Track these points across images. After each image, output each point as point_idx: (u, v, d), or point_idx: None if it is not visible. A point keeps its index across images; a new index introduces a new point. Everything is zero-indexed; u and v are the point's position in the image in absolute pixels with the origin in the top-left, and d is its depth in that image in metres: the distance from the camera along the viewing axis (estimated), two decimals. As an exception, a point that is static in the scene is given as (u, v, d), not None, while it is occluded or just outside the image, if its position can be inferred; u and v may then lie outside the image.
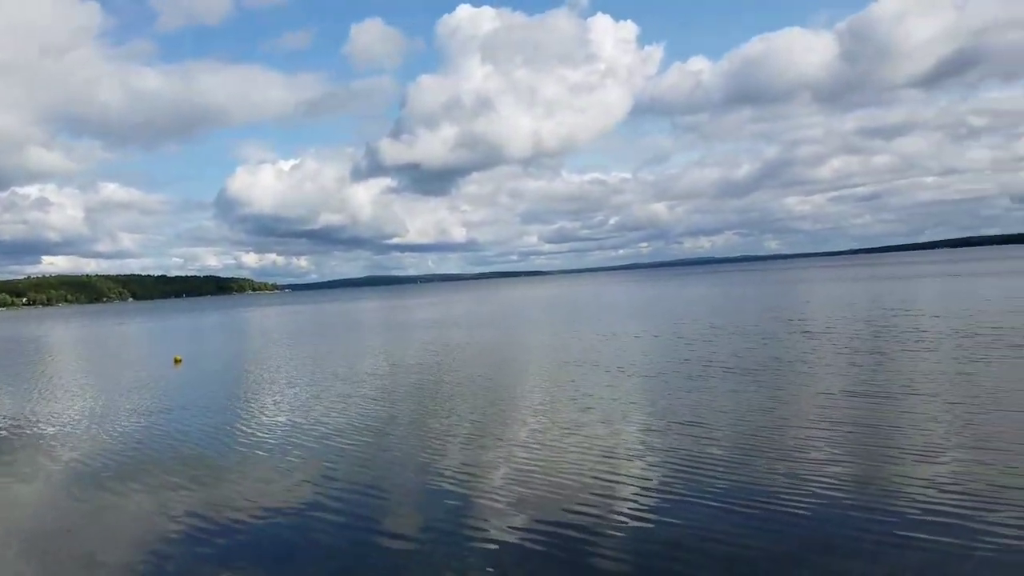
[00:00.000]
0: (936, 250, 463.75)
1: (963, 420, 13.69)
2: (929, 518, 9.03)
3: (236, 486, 12.51)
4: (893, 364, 20.60)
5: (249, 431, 17.10)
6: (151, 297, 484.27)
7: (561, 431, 14.88)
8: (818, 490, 10.31)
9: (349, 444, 15.02)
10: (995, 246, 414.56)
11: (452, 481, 11.91)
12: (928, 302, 43.26)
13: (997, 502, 9.42)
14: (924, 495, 9.83)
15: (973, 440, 12.35)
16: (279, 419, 18.39)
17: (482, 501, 10.80)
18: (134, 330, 78.06)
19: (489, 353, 30.63)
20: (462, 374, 24.44)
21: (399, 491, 11.64)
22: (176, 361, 35.68)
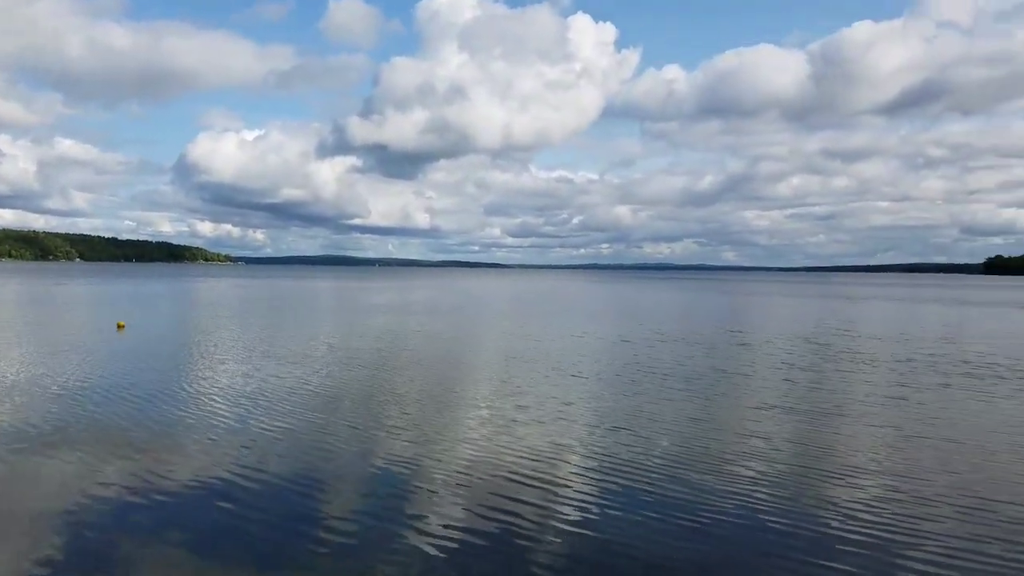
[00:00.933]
0: (886, 273, 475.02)
1: (889, 444, 14.19)
2: (854, 535, 9.35)
3: (168, 459, 12.43)
4: (827, 383, 21.20)
5: (187, 404, 16.96)
6: (100, 259, 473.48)
7: (497, 428, 15.06)
8: (746, 502, 10.61)
9: (288, 426, 14.99)
10: (942, 274, 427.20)
11: (385, 472, 12.02)
12: (871, 324, 44.46)
13: (920, 520, 9.84)
14: (849, 513, 10.17)
15: (898, 463, 12.83)
16: (219, 395, 18.24)
17: (413, 493, 10.93)
18: (79, 291, 76.27)
19: (437, 344, 30.72)
20: (407, 363, 24.50)
21: (334, 477, 11.70)
22: (119, 327, 35.09)
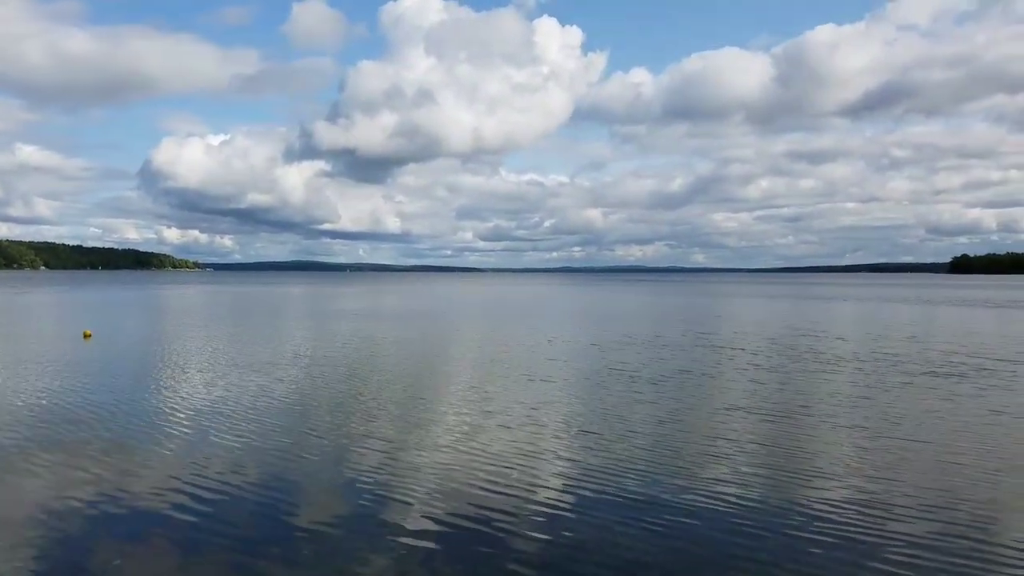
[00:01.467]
0: (855, 273, 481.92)
1: (854, 444, 14.43)
2: (820, 536, 9.48)
3: (139, 469, 12.33)
4: (793, 384, 21.50)
5: (154, 415, 16.79)
6: (66, 267, 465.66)
7: (463, 435, 15.08)
8: (713, 504, 10.73)
9: (252, 436, 14.91)
10: (910, 274, 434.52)
11: (350, 482, 12.02)
12: (837, 325, 45.14)
13: (886, 520, 10.03)
14: (816, 514, 10.32)
15: (863, 463, 13.05)
16: (189, 403, 18.12)
17: (378, 502, 10.94)
18: (44, 300, 75.05)
19: (404, 350, 30.67)
20: (374, 370, 24.46)
21: (299, 488, 11.67)
22: (86, 336, 34.64)
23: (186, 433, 15.00)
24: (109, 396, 18.92)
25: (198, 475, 12.06)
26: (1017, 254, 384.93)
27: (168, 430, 15.26)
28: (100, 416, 16.53)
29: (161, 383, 21.23)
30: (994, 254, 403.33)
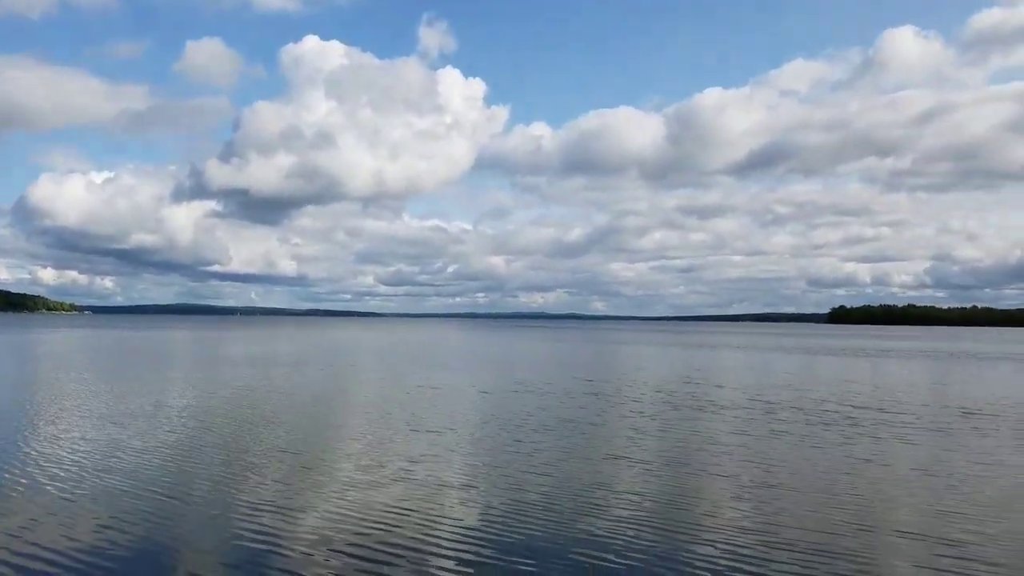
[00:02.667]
0: (741, 323, 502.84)
1: (730, 493, 14.69)
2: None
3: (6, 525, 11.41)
4: (673, 432, 21.82)
5: (26, 466, 15.87)
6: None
7: (332, 492, 14.61)
8: (591, 558, 10.66)
9: (121, 494, 14.01)
10: (791, 323, 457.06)
11: (224, 543, 11.35)
12: (718, 372, 46.56)
13: (761, 569, 10.18)
14: (691, 562, 10.46)
15: (738, 512, 13.27)
16: (63, 455, 17.13)
17: (256, 564, 10.33)
18: None
19: (289, 399, 29.56)
20: (256, 421, 23.39)
21: (173, 552, 10.93)
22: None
23: (60, 489, 14.06)
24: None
25: (72, 533, 11.38)
26: (890, 306, 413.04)
27: (39, 485, 14.34)
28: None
29: (30, 435, 19.76)
30: (869, 305, 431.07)
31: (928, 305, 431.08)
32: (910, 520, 12.92)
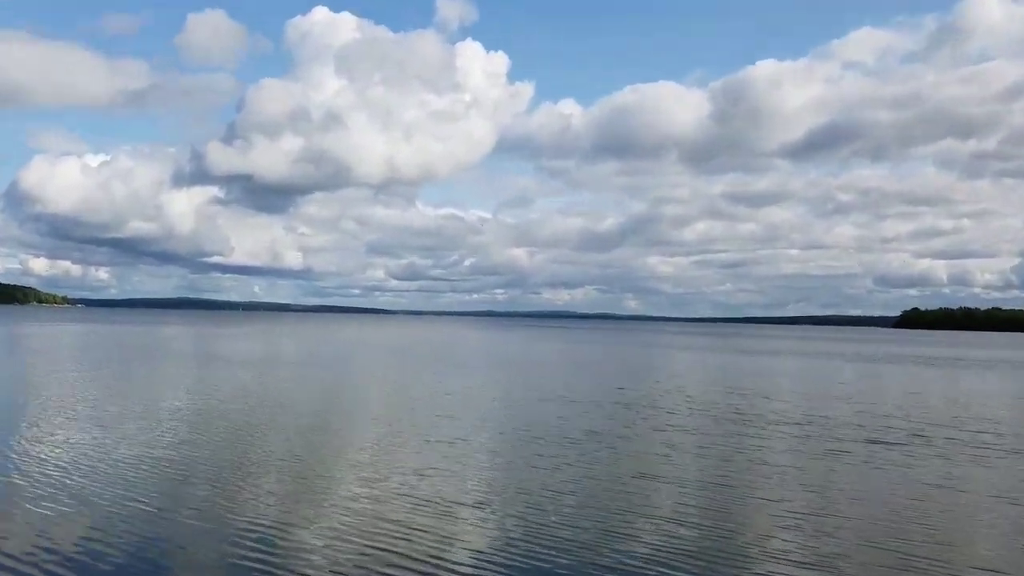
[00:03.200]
0: (796, 325, 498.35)
1: (775, 520, 14.38)
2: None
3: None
4: (711, 450, 21.48)
5: (17, 467, 16.41)
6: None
7: (332, 509, 14.55)
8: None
9: (124, 498, 14.35)
10: (854, 327, 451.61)
11: (220, 554, 11.41)
12: (770, 382, 45.90)
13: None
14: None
15: (780, 541, 12.94)
16: (56, 456, 17.67)
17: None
18: None
19: (294, 404, 29.63)
20: (256, 427, 23.50)
21: (169, 560, 11.04)
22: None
23: (53, 490, 14.57)
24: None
25: (65, 536, 11.72)
26: (970, 309, 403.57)
27: (31, 486, 14.86)
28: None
29: (21, 435, 20.30)
30: (946, 308, 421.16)
31: (1016, 308, 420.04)
32: (989, 556, 12.47)
